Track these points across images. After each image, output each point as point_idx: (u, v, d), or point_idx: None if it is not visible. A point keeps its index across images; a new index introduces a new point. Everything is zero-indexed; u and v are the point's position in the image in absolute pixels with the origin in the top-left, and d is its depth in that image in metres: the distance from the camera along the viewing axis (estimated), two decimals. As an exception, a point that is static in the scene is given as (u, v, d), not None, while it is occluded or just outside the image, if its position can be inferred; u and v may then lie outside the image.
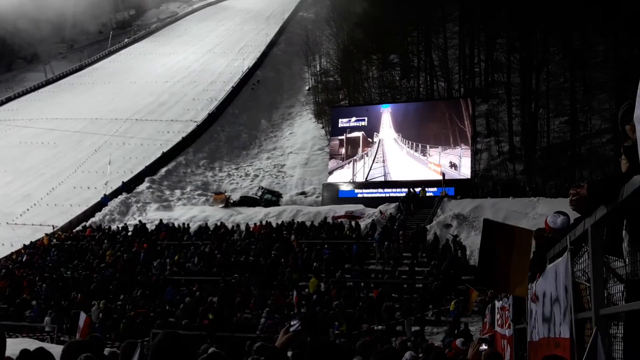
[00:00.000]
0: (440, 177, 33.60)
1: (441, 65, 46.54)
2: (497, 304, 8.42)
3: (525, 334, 5.54)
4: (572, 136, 37.83)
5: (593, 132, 37.26)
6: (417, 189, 31.94)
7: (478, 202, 28.74)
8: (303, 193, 41.74)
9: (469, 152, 35.25)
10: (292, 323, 3.85)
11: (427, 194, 31.93)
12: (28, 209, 37.18)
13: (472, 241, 24.47)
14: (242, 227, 30.00)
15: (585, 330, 3.35)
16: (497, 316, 8.37)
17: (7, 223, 35.10)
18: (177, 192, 40.30)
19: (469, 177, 34.69)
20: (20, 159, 45.15)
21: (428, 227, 26.42)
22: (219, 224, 31.32)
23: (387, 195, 34.25)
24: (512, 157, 39.09)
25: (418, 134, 37.02)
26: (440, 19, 47.27)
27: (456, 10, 47.51)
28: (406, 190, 31.93)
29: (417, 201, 30.38)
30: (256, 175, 44.84)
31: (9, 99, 61.55)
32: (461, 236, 24.59)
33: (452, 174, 34.21)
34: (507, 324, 7.15)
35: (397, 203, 30.49)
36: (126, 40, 79.74)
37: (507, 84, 41.14)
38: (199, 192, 40.75)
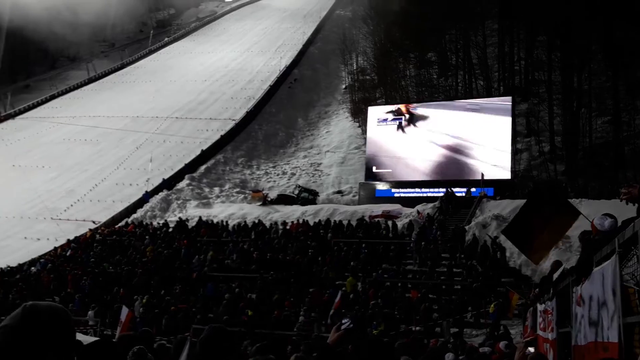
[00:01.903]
0: (479, 178, 33.26)
1: (480, 63, 45.97)
2: (540, 307, 8.38)
3: (569, 337, 5.53)
4: (615, 136, 36.89)
5: (637, 132, 36.32)
6: (461, 189, 31.69)
7: (518, 203, 28.16)
8: (340, 192, 41.85)
9: (508, 152, 34.75)
10: (343, 321, 3.96)
11: (459, 194, 31.68)
12: (72, 205, 38.19)
13: (511, 243, 24.20)
14: (280, 225, 30.27)
15: (634, 334, 3.38)
16: (540, 319, 8.33)
17: (52, 218, 36.15)
18: (216, 189, 40.87)
19: (508, 177, 34.20)
20: (65, 155, 46.36)
21: (467, 227, 26.21)
22: (256, 221, 31.68)
23: (425, 195, 34.05)
24: (553, 157, 38.38)
25: (456, 133, 36.68)
26: (479, 16, 46.63)
27: (495, 7, 46.82)
28: (444, 190, 31.73)
29: (455, 201, 30.15)
30: (293, 174, 45.16)
31: (52, 97, 63.22)
32: (500, 237, 24.30)
33: (491, 174, 33.78)
34: (550, 327, 7.13)
35: (435, 203, 30.32)
36: (166, 39, 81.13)
37: (548, 82, 40.38)
38: (237, 189, 41.26)
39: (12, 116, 57.54)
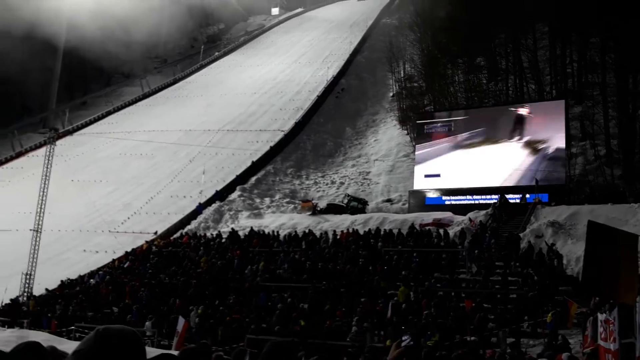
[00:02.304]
0: (533, 183, 32.53)
1: (531, 67, 45.04)
2: (600, 316, 8.16)
3: (633, 349, 5.39)
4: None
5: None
6: (514, 196, 31.09)
7: (574, 208, 27.56)
8: (389, 200, 41.66)
9: (563, 157, 33.86)
10: (403, 338, 3.98)
11: (512, 201, 31.04)
12: (129, 218, 39.33)
13: (568, 250, 23.59)
14: (330, 235, 30.36)
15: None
16: (600, 329, 8.10)
17: (110, 231, 37.26)
18: (267, 200, 41.35)
19: (563, 182, 33.31)
20: (121, 169, 47.82)
21: (521, 235, 25.66)
22: (307, 231, 31.87)
23: (476, 202, 33.53)
24: (609, 161, 37.19)
25: (508, 138, 36.03)
26: (529, 19, 45.68)
27: (545, 10, 45.78)
28: (496, 196, 31.16)
29: (508, 208, 29.57)
30: (342, 183, 45.24)
31: (108, 113, 65.34)
32: (557, 244, 23.71)
33: (545, 180, 33.00)
34: (612, 338, 6.95)
35: (488, 210, 29.81)
36: (216, 53, 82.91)
37: (602, 84, 39.24)
38: (287, 199, 41.64)
39: (70, 132, 59.73)
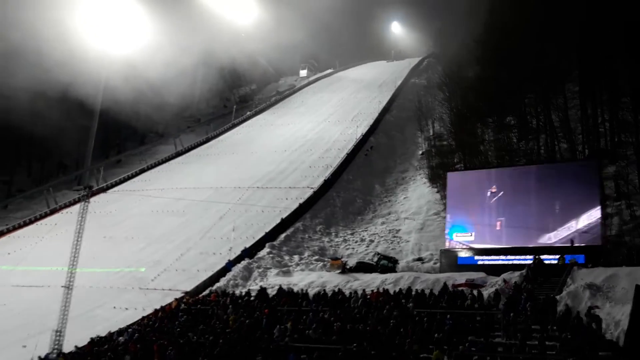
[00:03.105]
0: (568, 244, 31.79)
1: (562, 126, 44.82)
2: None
3: None
4: None
5: None
6: (549, 256, 30.37)
7: (612, 270, 26.67)
8: (420, 259, 41.07)
9: (598, 217, 33.11)
10: None
11: (547, 262, 30.30)
12: (159, 274, 39.44)
13: (607, 313, 22.74)
14: (359, 294, 29.90)
15: None
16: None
17: (140, 288, 37.40)
18: (296, 257, 41.18)
19: (599, 243, 32.46)
20: (153, 226, 48.37)
21: (558, 297, 24.91)
22: (336, 290, 31.47)
23: (510, 262, 32.78)
24: (646, 221, 36.25)
25: (541, 197, 35.43)
26: (559, 79, 45.78)
27: (575, 70, 45.92)
28: (531, 257, 30.48)
29: (544, 269, 28.84)
30: (371, 241, 44.89)
31: (142, 171, 66.74)
32: (595, 308, 22.91)
33: (581, 240, 32.22)
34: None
35: (522, 271, 29.11)
36: (248, 113, 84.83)
37: (636, 143, 38.67)
38: (316, 257, 41.40)
39: (104, 190, 61.03)
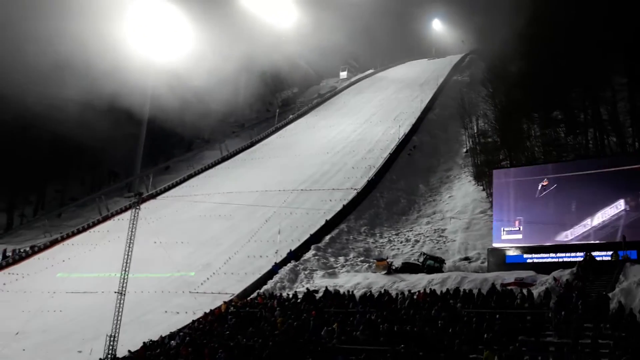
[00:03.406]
0: (620, 239, 30.86)
1: (611, 119, 43.55)
2: None
3: None
4: None
5: None
6: (601, 253, 29.58)
7: (667, 266, 25.90)
8: (467, 259, 40.55)
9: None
10: None
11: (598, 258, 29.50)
12: (208, 278, 40.17)
13: (663, 311, 22.07)
14: (406, 295, 29.77)
15: None
16: None
17: (190, 292, 38.16)
18: (341, 259, 41.26)
19: (653, 238, 31.37)
20: (201, 231, 49.25)
21: (610, 295, 24.27)
22: (382, 291, 31.43)
23: (560, 260, 31.99)
24: (703, 215, 34.86)
25: (590, 192, 34.49)
26: (605, 72, 44.38)
27: (621, 62, 44.47)
28: (582, 254, 29.73)
29: (595, 266, 28.12)
30: (417, 241, 44.57)
31: (189, 176, 68.11)
32: (650, 305, 22.26)
33: (634, 235, 31.19)
34: None
35: (573, 269, 28.45)
36: (290, 116, 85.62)
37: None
38: (362, 258, 41.38)
39: (153, 196, 62.50)
